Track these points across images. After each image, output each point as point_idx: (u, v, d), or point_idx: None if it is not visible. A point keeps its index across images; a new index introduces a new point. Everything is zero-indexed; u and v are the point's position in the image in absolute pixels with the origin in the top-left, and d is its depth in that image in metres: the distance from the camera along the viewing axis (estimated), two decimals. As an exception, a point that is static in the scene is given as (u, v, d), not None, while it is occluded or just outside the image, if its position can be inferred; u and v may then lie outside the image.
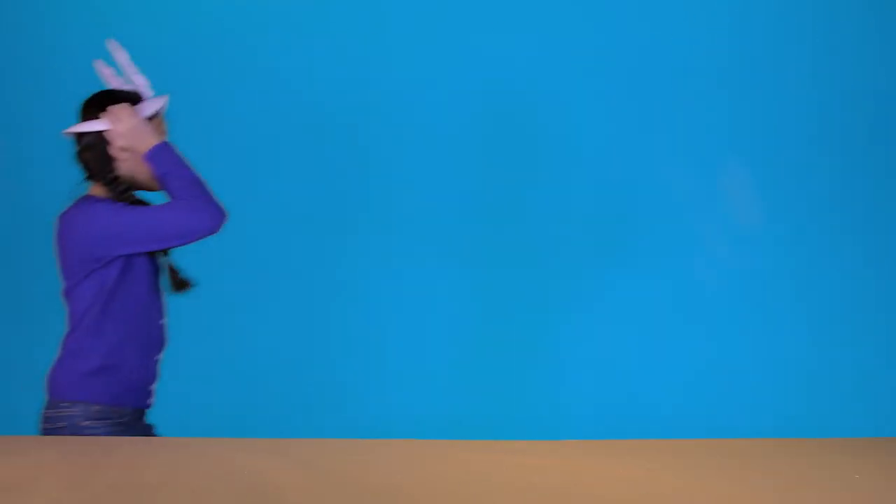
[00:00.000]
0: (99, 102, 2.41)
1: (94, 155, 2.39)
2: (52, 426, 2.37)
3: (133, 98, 2.42)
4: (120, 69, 2.44)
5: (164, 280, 2.48)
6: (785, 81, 3.40)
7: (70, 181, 2.42)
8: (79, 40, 3.48)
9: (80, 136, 2.41)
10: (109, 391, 2.37)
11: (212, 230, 2.36)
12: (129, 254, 2.36)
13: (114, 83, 2.45)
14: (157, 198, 2.39)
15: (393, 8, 3.55)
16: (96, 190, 2.42)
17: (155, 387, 2.46)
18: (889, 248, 3.44)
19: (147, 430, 2.47)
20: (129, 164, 2.40)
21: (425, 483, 1.82)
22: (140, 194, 2.45)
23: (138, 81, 2.44)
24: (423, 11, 3.54)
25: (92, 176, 2.42)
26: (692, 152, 3.43)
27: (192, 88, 3.47)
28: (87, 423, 2.34)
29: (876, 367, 3.43)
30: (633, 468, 1.87)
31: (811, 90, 3.41)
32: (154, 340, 2.46)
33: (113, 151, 2.38)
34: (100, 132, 2.38)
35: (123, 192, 2.40)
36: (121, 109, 2.38)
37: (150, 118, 2.41)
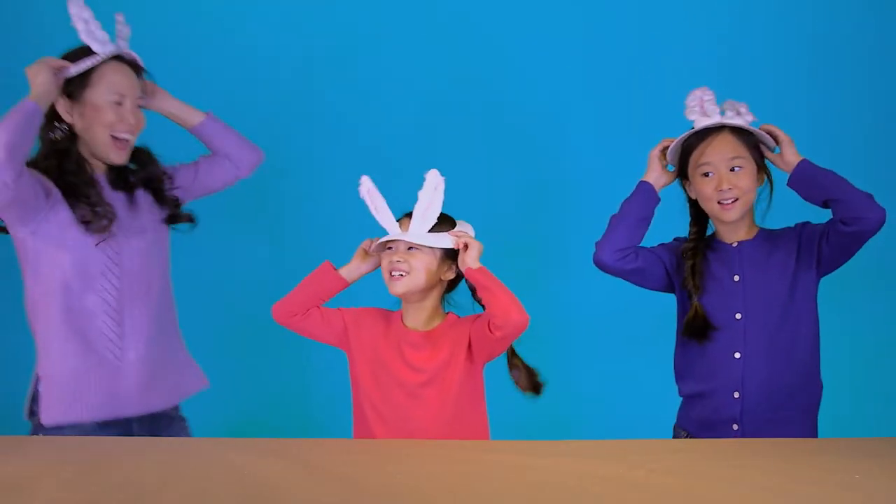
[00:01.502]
0: None
1: None
2: None
3: None
4: None
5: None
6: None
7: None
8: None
9: None
10: None
11: None
12: None
13: None
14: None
15: (395, 7, 3.54)
16: None
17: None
18: (889, 246, 3.43)
19: None
20: None
21: (425, 483, 1.82)
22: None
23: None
24: (423, 9, 3.53)
25: None
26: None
27: (197, 86, 3.46)
28: None
29: (876, 366, 3.43)
30: (634, 468, 1.87)
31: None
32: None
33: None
34: None
35: None
36: None
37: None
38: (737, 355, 2.34)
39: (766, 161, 2.40)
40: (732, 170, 2.35)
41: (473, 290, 2.36)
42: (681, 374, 2.47)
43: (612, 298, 3.21)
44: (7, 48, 3.49)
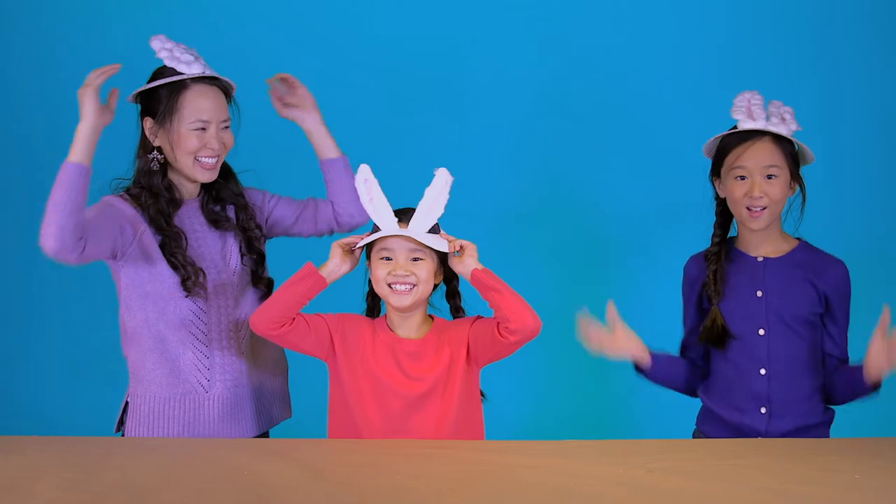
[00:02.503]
0: None
1: None
2: None
3: None
4: None
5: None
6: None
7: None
8: (80, 39, 3.47)
9: None
10: None
11: None
12: None
13: None
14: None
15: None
16: None
17: None
18: (889, 248, 3.44)
19: None
20: None
21: (425, 483, 1.82)
22: None
23: None
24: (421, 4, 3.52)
25: None
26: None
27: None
28: None
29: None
30: (633, 468, 1.87)
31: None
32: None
33: None
34: None
35: None
36: None
37: None
38: (762, 372, 2.31)
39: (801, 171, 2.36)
40: (768, 177, 2.31)
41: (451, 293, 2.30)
42: (704, 381, 2.44)
43: (628, 299, 3.22)
44: (7, 48, 3.50)
